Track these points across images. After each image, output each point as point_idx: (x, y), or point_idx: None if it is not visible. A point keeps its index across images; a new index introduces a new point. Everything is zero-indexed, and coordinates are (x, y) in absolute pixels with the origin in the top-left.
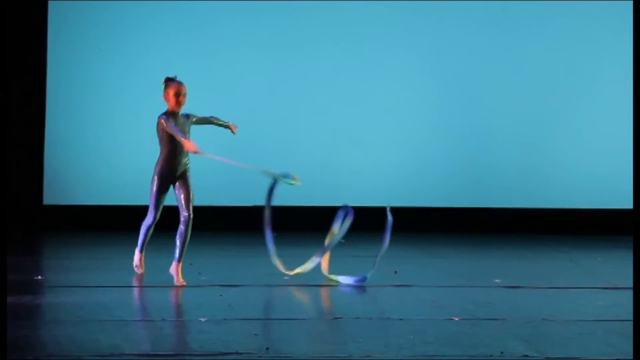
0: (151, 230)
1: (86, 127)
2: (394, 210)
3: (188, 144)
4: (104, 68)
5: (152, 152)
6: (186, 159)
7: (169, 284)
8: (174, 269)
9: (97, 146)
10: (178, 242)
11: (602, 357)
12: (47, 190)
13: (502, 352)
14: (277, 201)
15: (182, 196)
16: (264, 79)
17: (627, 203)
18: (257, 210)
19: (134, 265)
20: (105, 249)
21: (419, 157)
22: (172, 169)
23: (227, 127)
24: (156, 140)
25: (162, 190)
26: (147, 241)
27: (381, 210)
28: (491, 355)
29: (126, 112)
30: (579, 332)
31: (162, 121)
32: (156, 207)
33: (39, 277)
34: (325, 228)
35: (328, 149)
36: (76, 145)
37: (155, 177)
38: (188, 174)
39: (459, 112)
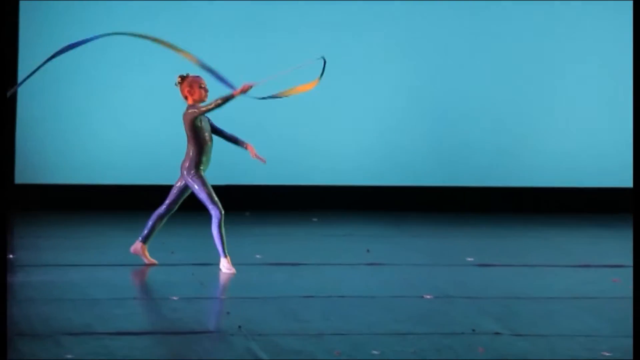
0: (222, 229)
1: (59, 105)
2: (369, 188)
3: (244, 87)
4: (78, 47)
5: (126, 131)
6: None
7: (140, 263)
8: (225, 264)
9: (69, 125)
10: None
11: (573, 334)
12: (19, 169)
13: (473, 330)
14: (248, 180)
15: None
16: (234, 61)
17: (599, 181)
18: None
19: (225, 269)
20: (78, 228)
21: (393, 136)
22: (205, 165)
23: (240, 145)
24: (129, 118)
25: (208, 183)
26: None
27: (356, 190)
28: (463, 333)
29: (99, 91)
30: (550, 309)
31: (196, 110)
32: (215, 201)
33: (11, 255)
34: (297, 207)
35: (302, 128)
36: (48, 123)
37: (198, 177)
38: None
39: (433, 92)
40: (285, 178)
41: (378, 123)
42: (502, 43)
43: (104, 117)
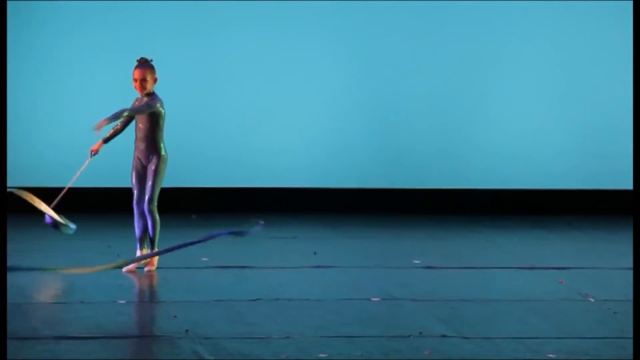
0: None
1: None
2: (314, 190)
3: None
4: (69, 49)
5: (72, 131)
6: (144, 145)
7: (86, 265)
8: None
9: (12, 125)
10: None
11: (519, 336)
12: None
13: (420, 333)
14: (193, 183)
15: None
16: (179, 62)
17: (541, 184)
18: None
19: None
20: (21, 231)
21: (336, 138)
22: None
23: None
24: (72, 118)
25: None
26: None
27: (302, 192)
28: (410, 336)
29: (44, 90)
30: (495, 311)
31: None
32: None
33: None
34: (242, 210)
35: (247, 130)
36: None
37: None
38: (152, 165)
39: (377, 94)
40: (231, 180)
41: (321, 125)
42: (447, 43)
43: (47, 117)
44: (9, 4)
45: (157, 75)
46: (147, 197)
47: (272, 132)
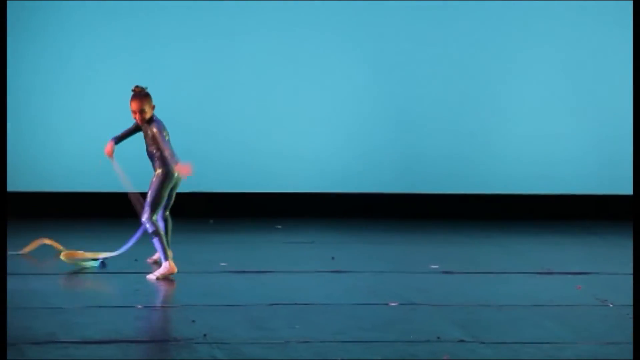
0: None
1: (19, 110)
2: (333, 196)
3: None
4: (68, 54)
5: (87, 137)
6: (150, 162)
7: (104, 270)
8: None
9: (30, 131)
10: None
11: (536, 341)
12: None
13: (438, 338)
14: (211, 188)
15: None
16: (198, 67)
17: (558, 188)
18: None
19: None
20: (36, 236)
21: (353, 143)
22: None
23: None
24: (88, 123)
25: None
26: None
27: (320, 197)
28: (428, 341)
29: (60, 96)
30: (513, 316)
31: None
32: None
33: None
34: (260, 215)
35: (266, 136)
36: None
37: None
38: (154, 178)
39: (396, 99)
40: (249, 185)
41: (341, 131)
42: (463, 49)
43: (64, 122)
44: (20, 7)
45: (154, 103)
46: (143, 209)
47: (290, 138)
